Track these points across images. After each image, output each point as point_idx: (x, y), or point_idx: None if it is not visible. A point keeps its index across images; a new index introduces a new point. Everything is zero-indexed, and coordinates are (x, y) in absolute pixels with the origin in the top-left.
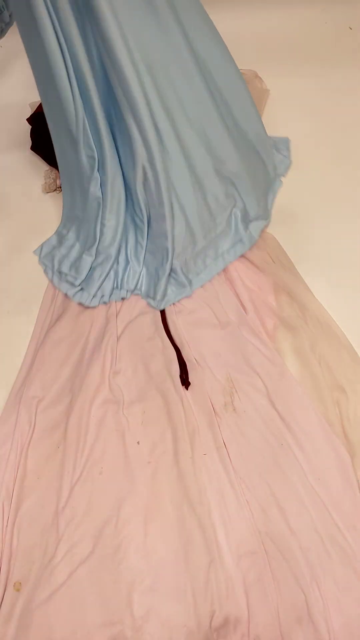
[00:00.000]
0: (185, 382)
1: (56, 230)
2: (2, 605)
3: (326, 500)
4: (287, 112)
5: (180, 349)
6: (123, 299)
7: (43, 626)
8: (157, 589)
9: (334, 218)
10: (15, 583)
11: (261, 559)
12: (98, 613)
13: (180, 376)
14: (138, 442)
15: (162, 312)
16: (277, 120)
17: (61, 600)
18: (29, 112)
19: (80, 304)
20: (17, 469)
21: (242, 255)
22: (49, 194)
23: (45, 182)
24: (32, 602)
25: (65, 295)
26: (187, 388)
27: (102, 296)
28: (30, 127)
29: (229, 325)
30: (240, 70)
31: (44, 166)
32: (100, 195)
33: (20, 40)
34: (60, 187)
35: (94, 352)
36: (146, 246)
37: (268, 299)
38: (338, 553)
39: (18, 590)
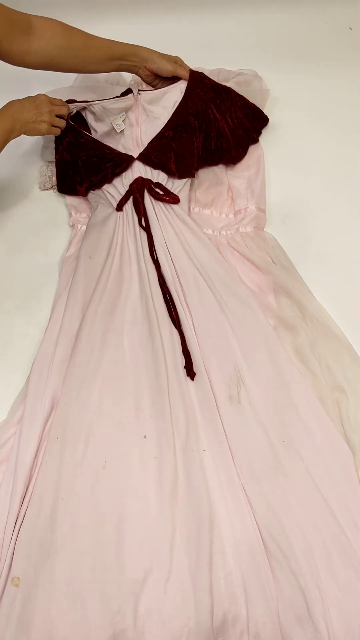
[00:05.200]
0: (189, 372)
1: None
2: (3, 601)
3: (328, 498)
4: (287, 112)
5: (185, 338)
6: None
7: (44, 623)
8: (158, 587)
9: (334, 218)
10: (13, 578)
11: (261, 557)
12: (99, 611)
13: (185, 366)
14: (145, 436)
15: (171, 300)
16: (276, 121)
17: (62, 597)
18: None
19: None
20: (32, 465)
21: (242, 255)
22: (46, 191)
23: (41, 180)
24: (32, 599)
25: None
26: (192, 379)
27: None
28: None
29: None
30: (240, 71)
31: (40, 163)
32: None
33: None
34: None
35: (103, 340)
36: None
37: (268, 299)
38: (339, 552)
39: (17, 585)
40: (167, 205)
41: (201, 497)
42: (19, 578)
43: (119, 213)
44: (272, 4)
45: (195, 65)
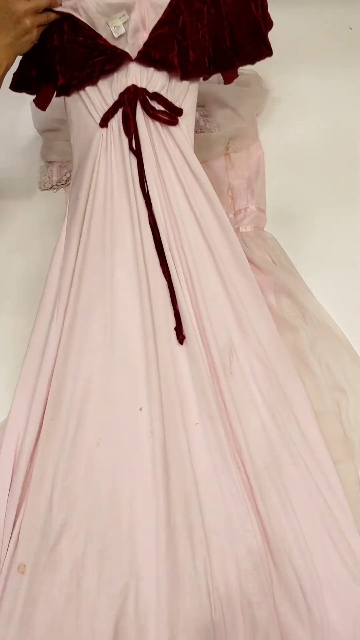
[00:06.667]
0: (179, 335)
1: None
2: (8, 587)
3: (323, 482)
4: (287, 112)
5: (177, 296)
6: None
7: (48, 610)
8: (159, 576)
9: (334, 218)
10: (19, 565)
11: (255, 538)
12: (102, 595)
13: (175, 328)
14: (140, 409)
15: (162, 250)
16: (276, 121)
17: (66, 582)
18: (27, 112)
19: None
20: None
21: None
22: (46, 191)
23: (41, 180)
24: (35, 585)
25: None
26: (181, 342)
27: None
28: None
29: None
30: (240, 71)
31: (40, 162)
32: None
33: None
34: (57, 185)
35: (89, 300)
36: None
37: (268, 299)
38: (340, 553)
39: (22, 572)
40: (165, 129)
41: (195, 476)
42: (24, 565)
43: (104, 131)
44: (272, 4)
45: None
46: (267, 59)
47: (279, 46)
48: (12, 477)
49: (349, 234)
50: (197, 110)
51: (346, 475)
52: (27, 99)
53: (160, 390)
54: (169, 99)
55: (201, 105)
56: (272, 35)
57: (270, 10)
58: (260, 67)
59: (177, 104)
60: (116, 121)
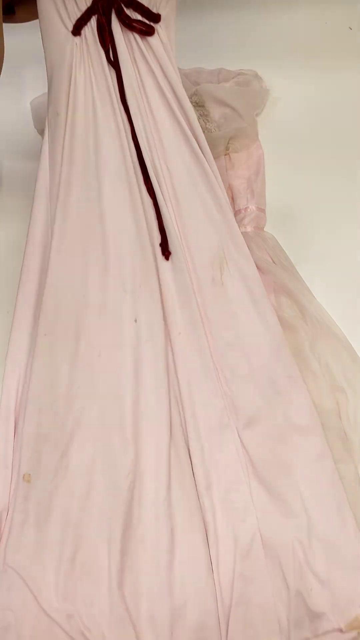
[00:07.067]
0: (165, 251)
1: None
2: (17, 497)
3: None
4: (287, 112)
5: (161, 211)
6: None
7: (62, 513)
8: (159, 473)
9: (334, 218)
10: (24, 475)
11: (231, 431)
12: (110, 497)
13: (160, 244)
14: (135, 320)
15: (145, 164)
16: (276, 121)
17: (79, 487)
18: (28, 112)
19: None
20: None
21: None
22: None
23: None
24: (47, 491)
25: None
26: (167, 258)
27: None
28: None
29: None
30: (240, 70)
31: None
32: None
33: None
34: None
35: (79, 215)
36: None
37: (268, 299)
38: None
39: (28, 481)
40: (145, 41)
41: (179, 386)
42: (29, 474)
43: (77, 39)
44: (272, 4)
45: (195, 65)
46: (267, 59)
47: (279, 46)
48: (15, 410)
49: (349, 233)
50: (197, 110)
51: (346, 474)
52: (27, 98)
53: (152, 302)
54: (146, 5)
55: (201, 105)
56: (272, 36)
57: (270, 10)
58: (260, 67)
59: (154, 11)
60: (90, 30)
